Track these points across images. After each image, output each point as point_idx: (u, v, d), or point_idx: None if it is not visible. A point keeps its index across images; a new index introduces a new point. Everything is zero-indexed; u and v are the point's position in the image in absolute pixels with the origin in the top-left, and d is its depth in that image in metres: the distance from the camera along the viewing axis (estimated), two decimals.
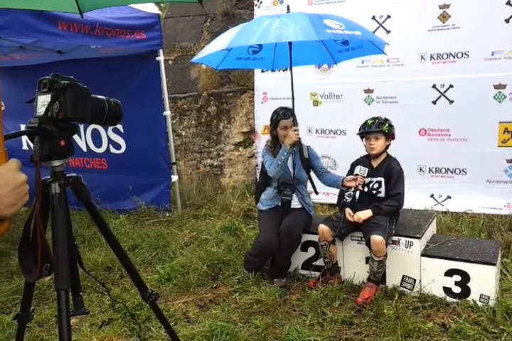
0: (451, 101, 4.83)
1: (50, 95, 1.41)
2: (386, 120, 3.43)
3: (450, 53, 4.78)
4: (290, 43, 3.33)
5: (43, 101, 1.43)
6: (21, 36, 3.93)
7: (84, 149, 5.66)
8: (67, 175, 1.55)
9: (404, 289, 3.34)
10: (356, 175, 3.37)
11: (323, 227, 3.41)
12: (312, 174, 3.70)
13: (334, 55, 3.69)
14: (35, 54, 5.08)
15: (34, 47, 4.84)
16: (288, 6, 3.47)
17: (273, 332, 2.92)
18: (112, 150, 5.57)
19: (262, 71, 5.82)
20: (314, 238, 3.57)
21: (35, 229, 1.37)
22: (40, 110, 1.43)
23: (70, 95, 1.41)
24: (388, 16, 5.07)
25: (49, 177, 1.52)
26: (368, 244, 3.23)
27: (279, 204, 3.65)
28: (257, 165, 6.09)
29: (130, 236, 4.59)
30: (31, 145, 1.40)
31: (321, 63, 5.11)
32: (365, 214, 3.32)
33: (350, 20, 3.23)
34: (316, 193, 3.67)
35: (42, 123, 1.39)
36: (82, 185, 1.60)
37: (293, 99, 3.51)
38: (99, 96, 1.56)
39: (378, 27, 5.09)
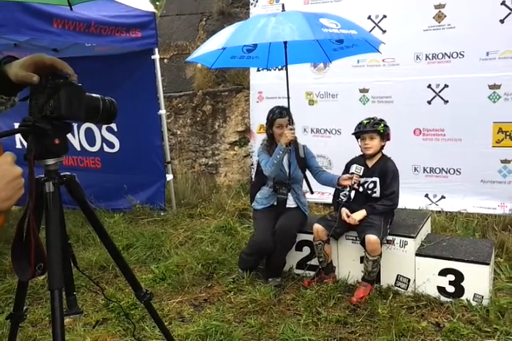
0: (446, 101, 4.85)
1: (44, 93, 1.40)
2: (381, 120, 3.44)
3: (445, 53, 4.79)
4: (285, 42, 3.33)
5: (37, 99, 1.42)
6: (16, 34, 3.90)
7: (78, 148, 5.64)
8: (61, 174, 1.54)
9: (398, 288, 3.35)
10: (352, 173, 3.37)
11: (317, 227, 3.41)
12: (307, 173, 3.70)
13: (329, 54, 3.69)
14: (30, 52, 5.04)
15: (29, 45, 4.81)
16: (283, 5, 3.46)
17: (267, 331, 2.92)
18: (106, 149, 5.55)
19: (258, 70, 5.81)
20: (309, 237, 3.58)
21: (29, 228, 1.36)
22: (34, 108, 1.42)
23: (64, 93, 1.39)
24: (384, 16, 5.07)
25: (43, 175, 1.51)
26: (363, 243, 3.24)
27: (275, 203, 3.65)
28: (252, 165, 6.08)
29: (124, 236, 4.58)
30: (25, 143, 1.39)
31: (315, 61, 5.11)
32: (359, 214, 3.33)
33: (345, 19, 3.23)
34: (312, 193, 3.68)
35: (36, 122, 1.38)
36: (76, 184, 1.59)
37: (288, 98, 3.51)
38: (94, 95, 1.54)
39: (374, 27, 5.09)
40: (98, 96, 1.55)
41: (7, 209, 0.94)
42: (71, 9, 2.34)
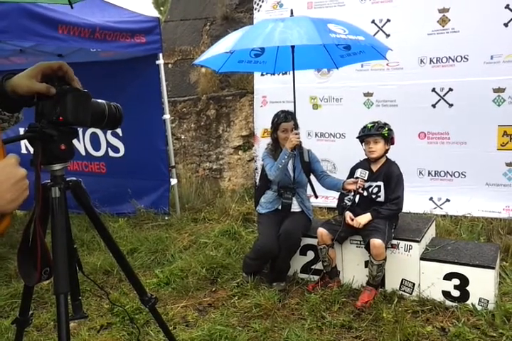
0: (451, 105, 4.85)
1: (50, 99, 1.41)
2: (386, 124, 3.44)
3: (449, 57, 4.79)
4: (293, 47, 3.34)
5: (44, 105, 1.43)
6: (21, 40, 3.93)
7: (83, 153, 5.66)
8: (67, 179, 1.55)
9: (403, 293, 3.34)
10: (357, 178, 3.37)
11: (322, 231, 3.41)
12: (312, 178, 3.70)
13: (336, 60, 3.70)
14: (35, 57, 5.08)
15: (34, 50, 4.85)
16: (291, 10, 3.48)
17: (272, 336, 2.91)
18: (111, 153, 5.57)
19: (262, 74, 5.83)
20: (313, 241, 3.57)
21: (35, 233, 1.37)
22: (41, 114, 1.43)
23: (70, 99, 1.41)
24: (388, 20, 5.08)
25: (49, 181, 1.52)
26: (368, 247, 3.23)
27: (279, 207, 3.65)
28: (256, 169, 6.09)
29: (129, 240, 4.58)
30: (30, 148, 1.40)
31: (322, 67, 5.12)
32: (364, 218, 3.33)
33: (353, 25, 3.24)
34: (316, 197, 3.68)
35: (42, 128, 1.39)
36: (82, 189, 1.60)
37: (294, 102, 3.51)
38: (100, 101, 1.55)
39: (378, 31, 5.10)
40: (104, 101, 1.56)
41: (12, 211, 0.94)
42: (72, 7, 2.35)
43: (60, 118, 1.39)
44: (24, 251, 1.40)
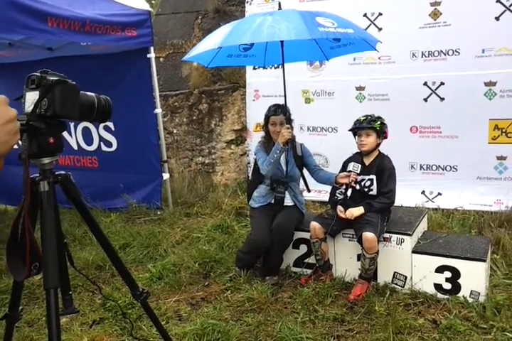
0: (443, 99, 4.86)
1: (38, 92, 1.39)
2: (379, 118, 3.43)
3: (441, 51, 4.80)
4: (282, 41, 3.32)
5: (31, 97, 1.41)
6: (10, 33, 3.87)
7: (75, 147, 5.62)
8: (56, 173, 1.54)
9: (395, 286, 3.35)
10: (349, 171, 3.38)
11: (314, 225, 3.41)
12: (305, 172, 3.70)
13: (326, 52, 3.68)
14: (24, 51, 5.03)
15: (24, 44, 4.79)
16: (279, 3, 3.45)
17: (265, 329, 2.92)
18: (103, 148, 5.53)
19: (254, 68, 5.81)
20: (306, 235, 3.57)
21: (24, 227, 1.36)
22: (29, 107, 1.41)
23: (58, 92, 1.39)
24: (380, 14, 5.07)
25: (37, 175, 1.50)
26: (360, 241, 3.24)
27: (272, 201, 3.64)
28: (248, 163, 6.08)
29: (121, 235, 4.56)
30: (19, 142, 1.38)
31: (312, 60, 5.11)
32: (357, 210, 3.33)
33: (342, 18, 3.22)
34: (309, 191, 3.68)
35: (30, 120, 1.37)
36: (71, 183, 1.58)
37: (285, 96, 3.50)
38: (89, 93, 1.54)
39: (370, 24, 5.09)
40: (93, 94, 1.55)
41: (3, 156, 0.88)
42: None
43: (48, 110, 1.38)
44: (13, 245, 1.39)
